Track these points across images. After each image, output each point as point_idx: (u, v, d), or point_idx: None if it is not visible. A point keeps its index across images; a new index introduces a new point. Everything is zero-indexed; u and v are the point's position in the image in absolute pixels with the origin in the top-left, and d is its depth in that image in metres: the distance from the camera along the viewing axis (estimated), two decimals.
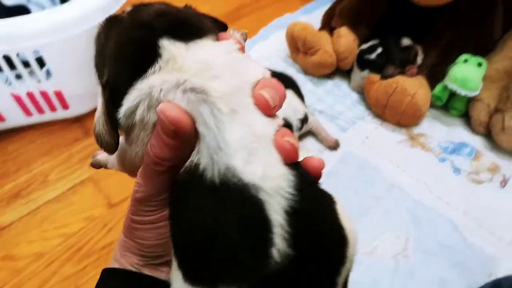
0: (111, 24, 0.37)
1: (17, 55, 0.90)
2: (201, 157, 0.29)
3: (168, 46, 0.33)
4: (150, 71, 0.32)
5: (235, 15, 1.44)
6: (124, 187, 0.89)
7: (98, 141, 0.36)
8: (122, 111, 0.34)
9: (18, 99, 0.97)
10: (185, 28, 0.35)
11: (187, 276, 0.29)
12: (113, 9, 0.92)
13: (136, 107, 0.33)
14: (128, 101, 0.33)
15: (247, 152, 0.29)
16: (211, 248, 0.28)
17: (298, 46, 1.15)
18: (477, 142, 0.99)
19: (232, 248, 0.27)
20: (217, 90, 0.30)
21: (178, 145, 0.30)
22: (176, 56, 0.33)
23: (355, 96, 1.13)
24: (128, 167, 0.40)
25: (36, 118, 1.03)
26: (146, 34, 0.34)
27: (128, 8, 0.38)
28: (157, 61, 0.33)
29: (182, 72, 0.32)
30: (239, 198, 0.28)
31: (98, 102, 0.36)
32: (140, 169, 0.34)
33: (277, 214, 0.28)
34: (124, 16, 0.36)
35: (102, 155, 0.49)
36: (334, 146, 0.99)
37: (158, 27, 0.34)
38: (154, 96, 0.31)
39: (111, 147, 0.36)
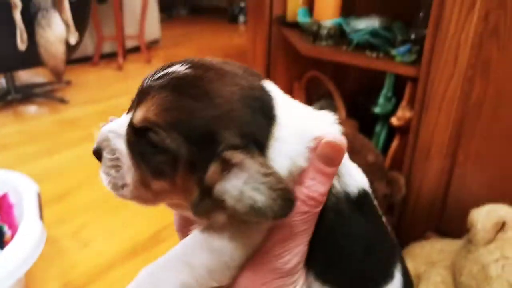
0: (208, 85, 0.32)
1: None
2: (345, 180, 0.36)
3: (276, 92, 0.35)
4: (278, 118, 0.33)
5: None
6: None
7: (268, 213, 0.29)
8: (285, 165, 0.32)
9: None
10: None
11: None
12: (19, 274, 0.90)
13: (299, 153, 0.33)
14: (285, 152, 0.32)
15: (353, 166, 0.38)
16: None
17: None
18: None
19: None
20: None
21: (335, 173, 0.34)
22: (283, 100, 0.35)
23: None
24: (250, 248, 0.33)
25: None
26: (258, 83, 0.34)
27: (180, 68, 0.33)
28: (274, 107, 0.33)
29: (303, 115, 0.35)
30: (368, 200, 0.38)
31: (235, 177, 0.30)
32: (279, 236, 0.33)
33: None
34: (212, 76, 0.33)
35: None
36: None
37: (253, 75, 0.35)
38: (311, 138, 0.33)
39: (293, 205, 0.30)
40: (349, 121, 1.41)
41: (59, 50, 2.31)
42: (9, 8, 2.09)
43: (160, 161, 0.32)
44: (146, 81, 0.34)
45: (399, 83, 1.34)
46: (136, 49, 3.94)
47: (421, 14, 1.22)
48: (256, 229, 0.32)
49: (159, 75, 0.33)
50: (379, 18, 1.43)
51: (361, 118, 1.49)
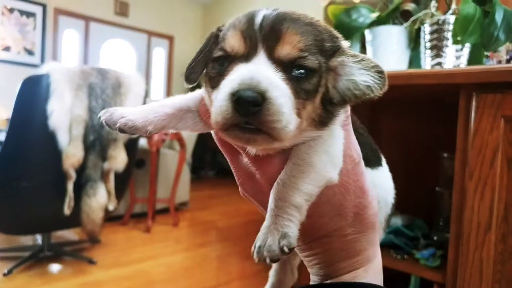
0: None
1: None
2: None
3: None
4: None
5: None
6: None
7: (375, 89, 0.42)
8: None
9: None
10: None
11: None
12: None
13: None
14: None
15: None
16: None
17: None
18: None
19: None
20: None
21: None
22: None
23: None
24: None
25: None
26: None
27: (276, 11, 0.42)
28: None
29: None
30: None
31: (343, 74, 0.43)
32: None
33: None
34: None
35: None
36: None
37: None
38: None
39: (385, 76, 0.43)
40: None
41: (99, 216, 2.49)
42: (65, 178, 2.34)
43: (313, 82, 0.40)
44: (256, 25, 0.41)
45: (425, 280, 1.37)
46: (165, 210, 4.14)
47: (440, 222, 1.33)
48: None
49: (260, 19, 0.41)
50: (400, 216, 1.55)
51: None
